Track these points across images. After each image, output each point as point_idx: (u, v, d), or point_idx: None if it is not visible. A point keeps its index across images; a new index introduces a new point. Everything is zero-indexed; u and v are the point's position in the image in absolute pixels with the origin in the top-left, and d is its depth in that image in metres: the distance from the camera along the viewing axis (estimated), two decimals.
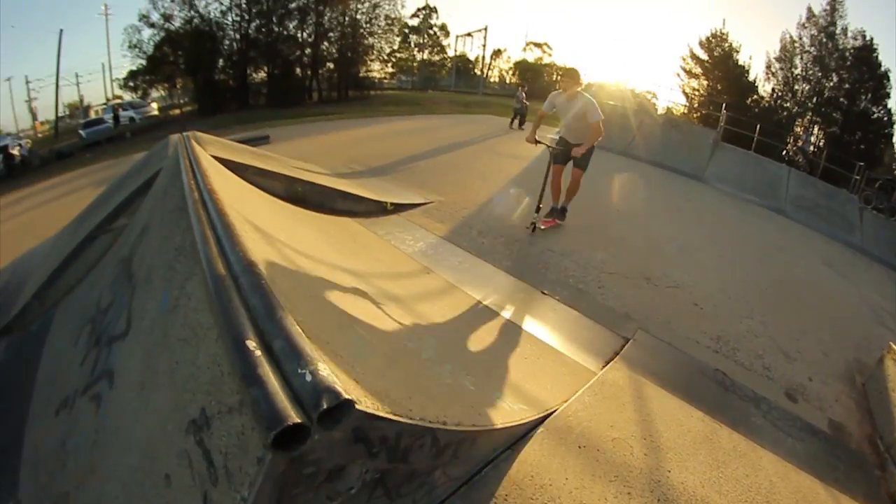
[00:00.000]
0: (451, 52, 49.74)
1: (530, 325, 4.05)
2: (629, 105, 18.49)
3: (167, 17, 32.13)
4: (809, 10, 32.31)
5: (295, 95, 32.87)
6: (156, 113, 33.63)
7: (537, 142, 6.02)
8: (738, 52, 35.40)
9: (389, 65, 41.51)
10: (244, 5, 33.18)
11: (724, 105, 19.89)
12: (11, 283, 6.35)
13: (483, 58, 50.94)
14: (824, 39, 31.81)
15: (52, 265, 5.49)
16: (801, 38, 32.81)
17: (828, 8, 31.69)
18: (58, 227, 7.77)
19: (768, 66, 34.00)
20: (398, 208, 6.20)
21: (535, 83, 42.04)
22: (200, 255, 1.99)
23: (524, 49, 55.55)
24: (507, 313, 4.13)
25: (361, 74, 37.78)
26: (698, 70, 36.77)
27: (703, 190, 12.76)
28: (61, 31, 39.79)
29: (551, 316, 4.31)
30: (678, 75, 37.75)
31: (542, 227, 6.21)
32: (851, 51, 31.01)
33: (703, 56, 36.44)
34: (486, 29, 49.83)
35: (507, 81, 53.92)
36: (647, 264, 5.83)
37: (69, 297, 4.88)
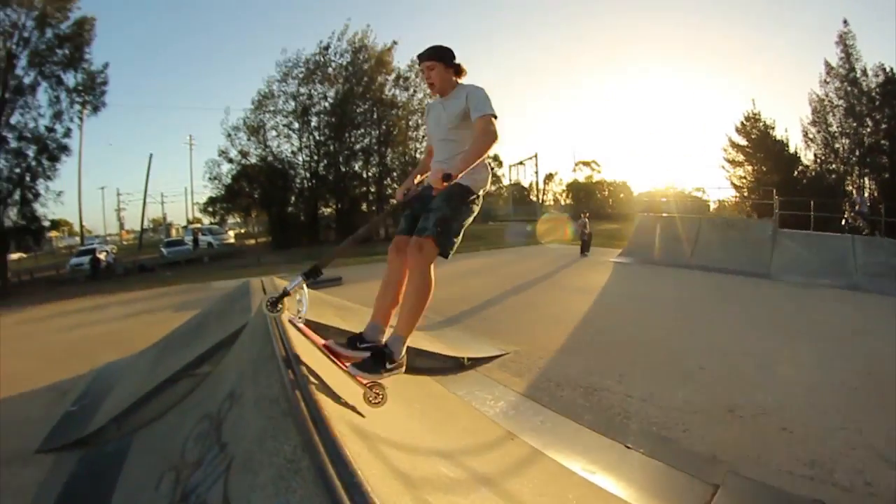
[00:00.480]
0: (505, 181, 51.83)
1: (619, 487, 3.89)
2: (681, 211, 18.30)
3: (244, 154, 35.67)
4: (827, 63, 32.47)
5: None
6: (232, 241, 36.05)
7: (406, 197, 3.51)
8: (773, 128, 35.87)
9: None
10: (313, 147, 36.31)
11: (774, 190, 19.84)
12: (91, 394, 6.81)
13: (536, 184, 52.83)
14: (849, 88, 31.67)
15: (131, 394, 5.82)
16: (827, 95, 32.87)
17: (843, 55, 31.88)
18: (137, 345, 8.38)
19: (805, 133, 34.05)
20: (475, 363, 6.25)
21: (588, 202, 43.18)
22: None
23: (574, 169, 58.00)
24: (594, 477, 3.97)
25: None
26: (741, 157, 37.15)
27: (771, 288, 12.42)
28: (151, 155, 44.25)
29: (639, 473, 4.14)
30: (723, 167, 38.32)
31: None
32: (877, 90, 30.67)
33: (742, 142, 36.94)
34: (536, 156, 52.58)
35: (563, 202, 55.50)
36: (730, 393, 5.63)
37: (148, 431, 5.05)
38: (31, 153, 26.90)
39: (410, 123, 38.60)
